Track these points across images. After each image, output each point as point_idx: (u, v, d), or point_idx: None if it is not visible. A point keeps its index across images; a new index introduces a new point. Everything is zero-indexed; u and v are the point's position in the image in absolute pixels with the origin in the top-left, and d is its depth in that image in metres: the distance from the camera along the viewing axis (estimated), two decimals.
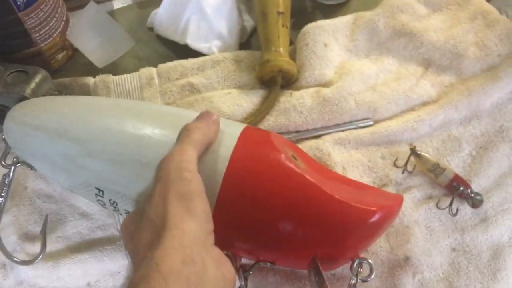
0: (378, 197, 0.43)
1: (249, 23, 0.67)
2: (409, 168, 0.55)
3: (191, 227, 0.33)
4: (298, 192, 0.38)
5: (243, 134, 0.42)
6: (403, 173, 0.55)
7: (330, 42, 0.61)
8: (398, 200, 0.44)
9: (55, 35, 0.59)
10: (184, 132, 0.39)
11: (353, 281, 0.42)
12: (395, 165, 0.55)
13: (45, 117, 0.44)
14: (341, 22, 0.64)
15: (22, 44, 0.57)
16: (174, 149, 0.37)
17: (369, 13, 0.64)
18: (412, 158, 0.54)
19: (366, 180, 0.55)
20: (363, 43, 0.63)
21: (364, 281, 0.42)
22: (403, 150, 0.56)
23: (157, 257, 0.30)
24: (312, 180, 0.39)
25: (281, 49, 0.58)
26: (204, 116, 0.41)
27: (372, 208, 0.40)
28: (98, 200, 0.44)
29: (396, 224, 0.51)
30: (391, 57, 0.62)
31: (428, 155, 0.54)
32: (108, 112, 0.44)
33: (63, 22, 0.61)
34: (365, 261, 0.42)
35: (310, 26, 0.61)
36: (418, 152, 0.54)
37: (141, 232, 0.34)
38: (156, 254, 0.31)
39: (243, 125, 0.43)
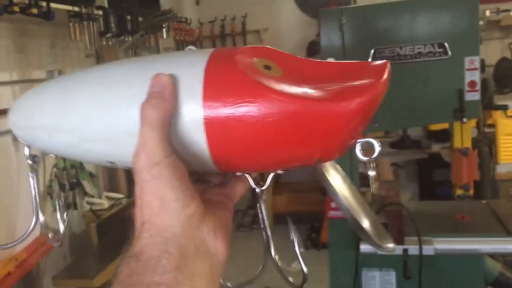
0: (357, 79, 0.41)
1: None
2: None
3: (166, 221, 0.39)
4: (272, 108, 0.39)
5: (207, 73, 0.41)
6: None
7: None
8: (379, 75, 0.42)
9: None
10: (141, 118, 0.40)
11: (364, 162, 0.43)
12: None
13: (36, 115, 0.48)
14: None
15: None
16: (138, 142, 0.40)
17: None
18: None
19: None
20: None
21: (370, 160, 0.42)
22: None
23: (136, 251, 0.39)
24: (278, 89, 0.39)
25: None
26: (154, 85, 0.41)
27: (342, 104, 0.39)
28: (113, 166, 0.49)
29: None
30: None
31: None
32: (81, 95, 0.46)
33: None
34: (367, 141, 0.42)
35: None
36: None
37: (134, 222, 0.41)
38: (134, 249, 0.39)
39: (204, 61, 0.42)
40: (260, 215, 0.46)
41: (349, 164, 2.05)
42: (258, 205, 0.45)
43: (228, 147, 0.41)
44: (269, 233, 0.45)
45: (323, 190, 2.63)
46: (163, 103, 0.40)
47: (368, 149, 0.42)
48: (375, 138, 0.42)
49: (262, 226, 0.45)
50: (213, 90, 0.40)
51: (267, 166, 0.44)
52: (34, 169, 0.54)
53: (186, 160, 0.42)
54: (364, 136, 0.42)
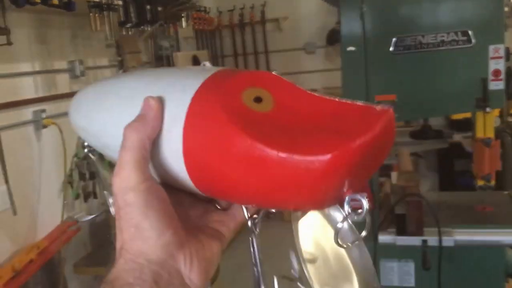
0: (346, 127, 0.37)
1: None
2: None
3: (140, 247, 0.39)
4: (244, 156, 0.37)
5: (193, 102, 0.40)
6: None
7: None
8: (370, 125, 0.36)
9: None
10: (122, 140, 0.40)
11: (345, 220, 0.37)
12: None
13: (77, 117, 0.50)
14: None
15: None
16: (116, 166, 0.40)
17: None
18: None
19: None
20: None
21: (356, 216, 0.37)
22: None
23: (112, 278, 0.39)
24: (250, 131, 0.37)
25: None
26: (142, 107, 0.41)
27: (316, 157, 0.34)
28: None
29: None
30: None
31: None
32: (103, 104, 0.47)
33: None
34: (357, 197, 0.36)
35: None
36: None
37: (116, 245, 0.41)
38: (111, 276, 0.39)
39: (195, 88, 0.40)
40: (251, 249, 0.44)
41: None
42: (250, 238, 0.44)
43: (206, 179, 0.40)
44: (259, 269, 0.44)
45: None
46: (144, 127, 0.40)
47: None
48: (363, 194, 0.37)
49: (253, 261, 0.44)
50: (193, 122, 0.39)
51: (247, 202, 0.42)
52: (89, 157, 0.57)
53: (173, 183, 0.42)
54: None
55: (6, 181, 2.18)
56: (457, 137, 3.83)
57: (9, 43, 2.14)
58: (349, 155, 0.35)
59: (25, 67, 2.51)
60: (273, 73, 0.42)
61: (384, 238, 1.96)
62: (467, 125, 3.76)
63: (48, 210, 2.57)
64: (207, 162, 0.39)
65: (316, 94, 0.41)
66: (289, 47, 4.82)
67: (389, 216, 1.98)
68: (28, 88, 2.52)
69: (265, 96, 0.40)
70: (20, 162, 2.39)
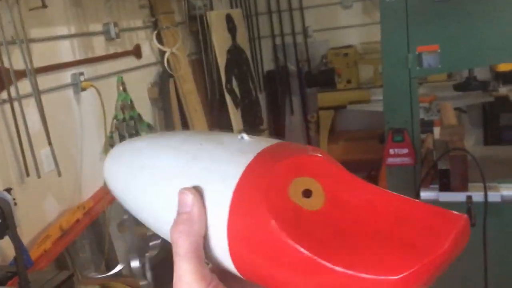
0: (411, 236, 0.32)
1: None
2: None
3: None
4: (296, 265, 0.33)
5: (235, 196, 0.36)
6: None
7: None
8: (444, 237, 0.32)
9: None
10: (172, 246, 0.37)
11: None
12: None
13: (112, 181, 0.48)
14: None
15: None
16: (174, 274, 0.37)
17: None
18: None
19: None
20: None
21: None
22: None
23: None
24: (303, 249, 0.33)
25: None
26: (180, 204, 0.37)
27: (389, 277, 0.30)
28: None
29: None
30: None
31: None
32: (136, 183, 0.44)
33: None
34: None
35: None
36: None
37: None
38: None
39: (237, 178, 0.36)
40: None
41: (410, 110, 1.97)
42: None
43: (255, 276, 0.37)
44: None
45: (380, 137, 2.54)
46: (191, 229, 0.36)
47: None
48: None
49: None
50: (237, 221, 0.36)
51: None
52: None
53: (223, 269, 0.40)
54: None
55: (50, 143, 2.24)
56: (503, 90, 3.66)
57: (44, 5, 2.15)
58: (420, 275, 0.31)
59: (62, 30, 2.53)
60: (318, 155, 0.37)
61: (426, 194, 1.91)
62: None
63: (91, 171, 2.64)
64: (255, 263, 0.35)
65: (372, 185, 0.36)
66: (324, 2, 4.67)
67: (431, 172, 1.93)
68: (66, 51, 2.54)
69: (315, 188, 0.35)
70: (61, 125, 2.45)
